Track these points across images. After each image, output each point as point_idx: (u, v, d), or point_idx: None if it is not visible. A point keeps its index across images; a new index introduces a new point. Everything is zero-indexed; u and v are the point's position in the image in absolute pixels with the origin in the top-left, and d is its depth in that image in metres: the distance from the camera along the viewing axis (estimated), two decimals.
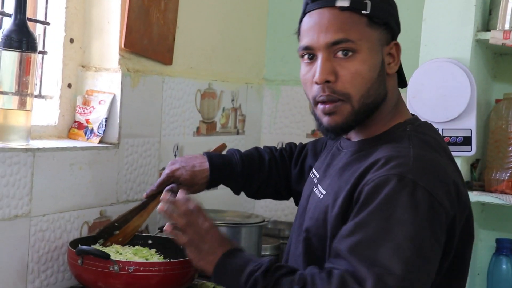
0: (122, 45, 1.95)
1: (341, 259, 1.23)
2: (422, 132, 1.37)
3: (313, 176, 1.56)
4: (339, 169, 1.40)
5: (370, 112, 1.37)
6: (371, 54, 1.34)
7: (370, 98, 1.35)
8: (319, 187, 1.45)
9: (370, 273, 1.18)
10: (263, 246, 2.10)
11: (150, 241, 1.86)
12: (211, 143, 2.37)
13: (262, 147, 1.87)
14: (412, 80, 2.05)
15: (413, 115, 1.46)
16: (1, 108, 1.68)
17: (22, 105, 1.70)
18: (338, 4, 1.33)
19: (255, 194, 1.81)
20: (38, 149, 1.70)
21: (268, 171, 1.78)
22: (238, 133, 2.54)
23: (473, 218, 1.39)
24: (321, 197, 1.41)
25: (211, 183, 1.75)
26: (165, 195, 1.50)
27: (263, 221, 2.07)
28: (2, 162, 1.60)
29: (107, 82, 1.96)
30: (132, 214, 1.77)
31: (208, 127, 2.36)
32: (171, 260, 1.70)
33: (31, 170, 1.67)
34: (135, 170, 2.02)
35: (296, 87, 2.60)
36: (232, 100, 2.49)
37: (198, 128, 2.31)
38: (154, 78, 2.08)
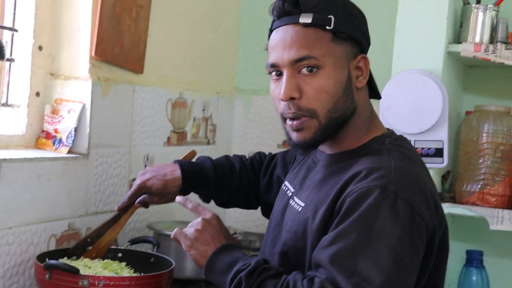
0: (93, 53, 1.91)
1: (322, 269, 1.24)
2: (400, 145, 1.39)
3: (286, 188, 1.54)
4: (317, 181, 1.40)
5: (338, 127, 1.37)
6: (336, 69, 1.35)
7: (337, 112, 1.35)
8: (296, 199, 1.43)
9: (349, 283, 1.19)
10: None
11: (120, 254, 1.82)
12: (182, 153, 2.34)
13: (232, 155, 1.84)
14: (384, 92, 2.04)
15: (388, 129, 1.46)
16: None
17: None
18: (301, 20, 1.33)
19: (225, 202, 1.80)
20: (5, 159, 1.65)
21: (239, 180, 1.76)
22: (208, 143, 2.51)
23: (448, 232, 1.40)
24: (299, 210, 1.40)
25: (183, 191, 1.72)
26: (177, 232, 1.48)
27: (235, 233, 2.04)
28: None
29: (76, 91, 1.92)
30: (105, 228, 1.73)
31: (179, 137, 2.33)
32: (142, 274, 1.66)
33: None
34: (104, 181, 1.98)
35: (267, 96, 2.58)
36: (203, 110, 2.46)
37: (168, 138, 2.27)
38: (124, 87, 2.04)
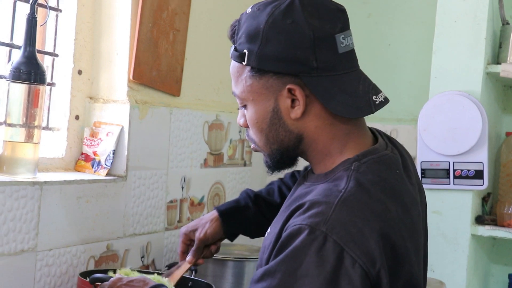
0: (131, 77, 1.93)
1: None
2: (364, 172, 1.26)
3: None
4: (289, 203, 1.35)
5: (290, 155, 1.34)
6: (257, 104, 1.31)
7: (274, 144, 1.32)
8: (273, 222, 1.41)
9: None
10: None
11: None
12: (219, 175, 2.35)
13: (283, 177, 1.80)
14: (422, 113, 2.03)
15: (377, 146, 1.33)
16: (9, 141, 1.66)
17: (29, 137, 1.69)
18: (231, 53, 1.34)
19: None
20: (46, 182, 1.67)
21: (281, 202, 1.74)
22: (245, 164, 2.52)
23: (418, 268, 1.30)
24: (266, 235, 1.38)
25: (225, 226, 1.69)
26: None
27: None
28: (9, 196, 1.57)
29: (115, 114, 1.94)
30: (174, 269, 1.70)
31: (216, 158, 2.34)
32: None
33: (38, 204, 1.65)
34: (142, 203, 2.00)
35: None
36: (239, 132, 2.47)
37: (205, 160, 2.29)
38: (162, 109, 2.06)
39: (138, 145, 1.97)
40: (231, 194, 2.43)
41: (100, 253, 1.85)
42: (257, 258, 1.98)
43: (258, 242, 2.56)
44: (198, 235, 1.67)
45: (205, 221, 1.68)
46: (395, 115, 2.39)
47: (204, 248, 1.69)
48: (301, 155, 1.35)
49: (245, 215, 1.69)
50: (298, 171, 1.72)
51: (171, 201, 2.12)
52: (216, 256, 1.95)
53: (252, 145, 1.39)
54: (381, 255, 1.18)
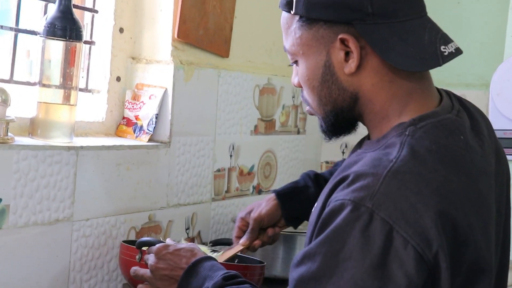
0: (175, 36, 1.79)
1: None
2: (423, 137, 1.09)
3: None
4: (336, 174, 1.17)
5: (345, 118, 1.17)
6: (307, 59, 1.16)
7: (328, 105, 1.15)
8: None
9: None
10: None
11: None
12: (270, 142, 2.21)
13: None
14: (495, 76, 1.84)
15: (448, 106, 1.15)
16: (43, 102, 1.55)
17: (65, 99, 1.57)
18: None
19: None
20: (82, 147, 1.55)
21: None
22: (298, 132, 2.36)
23: (486, 248, 1.10)
24: (313, 210, 1.22)
25: (284, 208, 1.57)
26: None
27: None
28: (42, 161, 1.46)
29: (158, 75, 1.81)
30: (226, 250, 1.60)
31: (267, 125, 2.19)
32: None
33: (73, 170, 1.53)
34: (187, 171, 1.87)
35: None
36: (293, 97, 2.31)
37: (256, 127, 2.14)
38: (209, 71, 1.92)
39: (183, 109, 1.83)
40: (283, 163, 2.28)
41: (142, 224, 1.73)
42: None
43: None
44: (253, 214, 1.55)
45: (261, 202, 1.57)
46: (463, 79, 2.21)
47: (260, 231, 1.56)
48: (358, 118, 1.18)
49: (304, 195, 1.56)
50: None
51: (219, 170, 1.99)
52: None
53: (307, 108, 1.23)
54: (439, 235, 1.01)
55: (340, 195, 1.04)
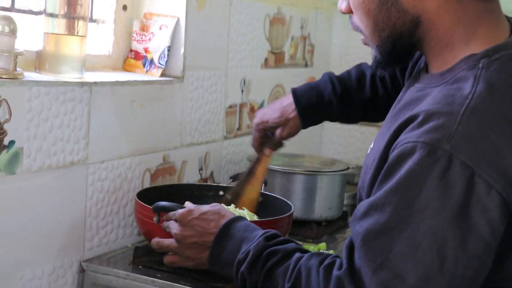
0: None
1: (351, 249, 0.99)
2: (499, 70, 0.97)
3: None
4: (395, 112, 1.07)
5: (400, 46, 1.05)
6: None
7: (384, 31, 1.04)
8: (377, 134, 1.13)
9: (373, 280, 0.92)
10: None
11: (221, 192, 1.60)
12: (280, 76, 2.08)
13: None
14: None
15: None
16: (51, 33, 1.39)
17: (73, 29, 1.41)
18: None
19: (354, 117, 1.52)
20: (96, 83, 1.41)
21: (371, 89, 1.47)
22: (306, 65, 2.24)
23: None
24: (368, 151, 1.11)
25: (301, 113, 1.48)
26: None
27: (347, 168, 1.79)
28: (55, 99, 1.32)
29: (169, 4, 1.65)
30: (242, 185, 1.52)
31: (277, 58, 2.06)
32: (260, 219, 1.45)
33: (87, 109, 1.40)
34: (200, 108, 1.74)
35: None
36: (301, 28, 2.18)
37: (266, 60, 2.01)
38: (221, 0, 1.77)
39: (196, 41, 1.69)
40: None
41: (156, 165, 1.61)
42: (330, 171, 1.75)
43: (330, 153, 2.31)
44: (281, 133, 1.49)
45: (288, 119, 1.48)
46: None
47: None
48: (416, 45, 1.06)
49: (327, 112, 1.48)
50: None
51: (230, 106, 1.86)
52: (284, 168, 1.72)
53: (362, 38, 1.11)
54: None
55: (411, 136, 0.94)
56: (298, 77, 2.18)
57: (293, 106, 1.47)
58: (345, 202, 1.86)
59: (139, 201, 1.38)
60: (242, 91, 1.91)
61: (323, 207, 1.74)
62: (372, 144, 1.11)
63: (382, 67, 1.11)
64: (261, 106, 2.01)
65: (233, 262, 1.11)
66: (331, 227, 1.75)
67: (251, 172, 1.52)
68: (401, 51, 1.07)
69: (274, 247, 1.08)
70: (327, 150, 2.34)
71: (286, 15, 2.07)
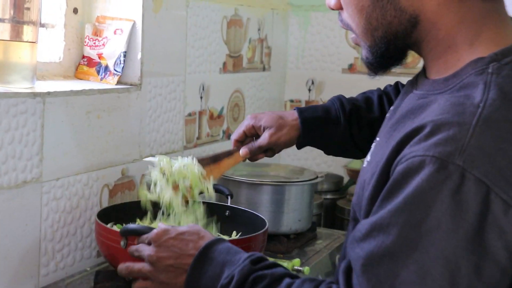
0: None
1: (349, 274, 0.90)
2: (510, 76, 0.90)
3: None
4: (394, 122, 0.98)
5: (394, 47, 0.98)
6: None
7: (379, 29, 0.97)
8: (372, 147, 1.05)
9: None
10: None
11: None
12: (238, 81, 1.99)
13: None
14: None
15: None
16: None
17: (22, 35, 1.29)
18: None
19: (361, 142, 1.38)
20: (49, 93, 1.29)
21: (380, 110, 1.37)
22: (264, 69, 2.15)
23: None
24: (364, 165, 1.03)
25: (303, 125, 1.34)
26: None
27: (316, 177, 1.71)
28: (5, 112, 1.19)
29: (123, 6, 1.54)
30: (222, 155, 1.37)
31: (235, 62, 1.97)
32: (239, 236, 1.35)
33: (40, 122, 1.27)
34: (159, 117, 1.63)
35: (329, 13, 2.20)
36: (259, 30, 2.09)
37: (224, 64, 1.91)
38: (177, 2, 1.66)
39: (153, 46, 1.58)
40: (251, 103, 2.07)
41: (115, 181, 1.50)
42: (299, 181, 1.66)
43: (298, 162, 2.23)
44: (270, 137, 1.33)
45: (284, 124, 1.34)
46: None
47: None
48: (412, 47, 0.99)
49: (331, 130, 1.36)
50: (402, 84, 1.37)
51: (190, 114, 1.76)
52: (251, 180, 1.63)
53: (352, 36, 1.02)
54: None
55: (418, 149, 0.84)
56: (256, 82, 2.09)
57: (295, 115, 1.35)
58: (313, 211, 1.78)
59: (102, 223, 1.26)
60: (201, 97, 1.81)
61: (292, 219, 1.65)
62: (368, 157, 1.02)
63: (373, 69, 1.03)
64: (221, 113, 1.91)
65: None
66: (300, 240, 1.67)
67: (215, 159, 1.36)
68: (395, 52, 0.99)
69: (260, 272, 0.98)
70: (286, 157, 2.26)
71: (243, 17, 1.98)
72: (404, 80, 1.18)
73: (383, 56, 0.99)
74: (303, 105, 2.26)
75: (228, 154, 1.36)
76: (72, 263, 1.39)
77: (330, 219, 2.09)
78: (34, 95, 1.25)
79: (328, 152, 1.42)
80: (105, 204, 1.46)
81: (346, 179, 2.22)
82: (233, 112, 1.98)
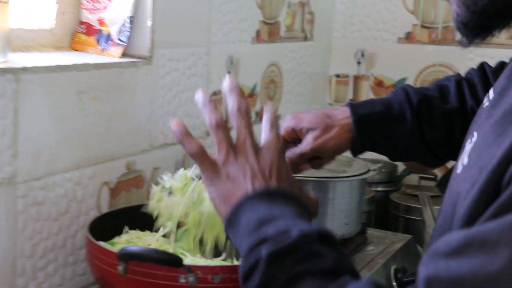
0: None
1: None
2: None
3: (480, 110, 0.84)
4: (501, 116, 0.67)
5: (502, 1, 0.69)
6: None
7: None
8: (467, 147, 0.73)
9: None
10: None
11: None
12: (274, 53, 1.68)
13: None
14: None
15: None
16: None
17: None
18: None
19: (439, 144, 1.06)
20: (24, 69, 1.00)
21: (460, 102, 1.05)
22: (305, 38, 1.83)
23: None
24: (458, 172, 0.70)
25: (357, 125, 1.03)
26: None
27: (368, 171, 1.39)
28: None
29: None
30: None
31: (271, 30, 1.66)
32: None
33: (13, 106, 0.99)
34: (175, 98, 1.34)
35: None
36: None
37: (257, 32, 1.60)
38: None
39: (167, 10, 1.28)
40: (289, 79, 1.77)
41: (118, 177, 1.21)
42: (347, 176, 1.35)
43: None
44: (314, 142, 1.01)
45: (332, 125, 1.02)
46: None
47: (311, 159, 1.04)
48: None
49: (394, 129, 1.03)
50: (491, 67, 1.05)
51: (215, 93, 1.46)
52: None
53: None
54: None
55: None
56: (296, 54, 1.78)
57: (347, 112, 1.03)
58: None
59: (93, 239, 0.97)
60: (229, 73, 1.51)
61: (338, 222, 1.35)
62: (464, 160, 0.70)
63: (467, 34, 0.72)
64: (253, 91, 1.61)
65: (255, 232, 0.71)
66: (348, 246, 1.37)
67: None
68: (501, 10, 0.68)
69: (325, 250, 0.69)
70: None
71: None
72: (508, 54, 0.86)
73: (485, 13, 0.69)
74: (351, 81, 1.96)
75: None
76: (60, 282, 1.11)
77: (382, 216, 1.79)
78: (3, 71, 0.96)
79: (393, 157, 1.09)
80: (105, 207, 1.18)
81: (400, 168, 1.91)
82: (268, 90, 1.67)
